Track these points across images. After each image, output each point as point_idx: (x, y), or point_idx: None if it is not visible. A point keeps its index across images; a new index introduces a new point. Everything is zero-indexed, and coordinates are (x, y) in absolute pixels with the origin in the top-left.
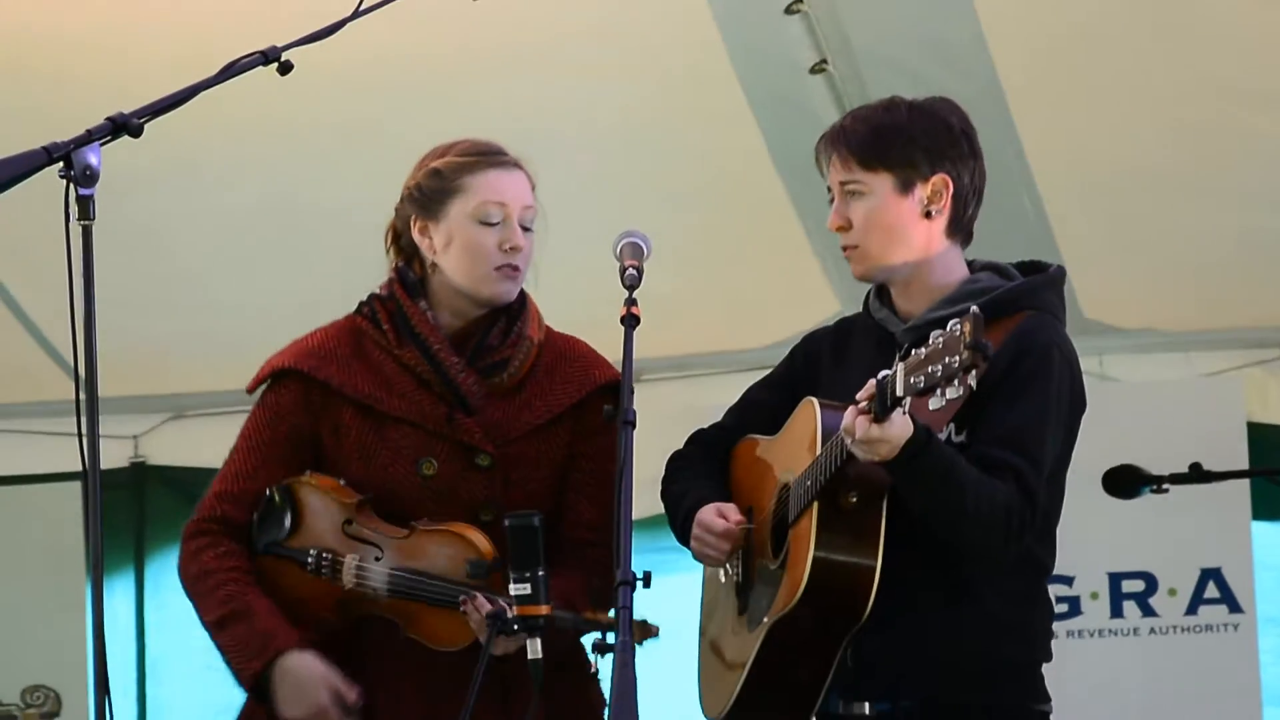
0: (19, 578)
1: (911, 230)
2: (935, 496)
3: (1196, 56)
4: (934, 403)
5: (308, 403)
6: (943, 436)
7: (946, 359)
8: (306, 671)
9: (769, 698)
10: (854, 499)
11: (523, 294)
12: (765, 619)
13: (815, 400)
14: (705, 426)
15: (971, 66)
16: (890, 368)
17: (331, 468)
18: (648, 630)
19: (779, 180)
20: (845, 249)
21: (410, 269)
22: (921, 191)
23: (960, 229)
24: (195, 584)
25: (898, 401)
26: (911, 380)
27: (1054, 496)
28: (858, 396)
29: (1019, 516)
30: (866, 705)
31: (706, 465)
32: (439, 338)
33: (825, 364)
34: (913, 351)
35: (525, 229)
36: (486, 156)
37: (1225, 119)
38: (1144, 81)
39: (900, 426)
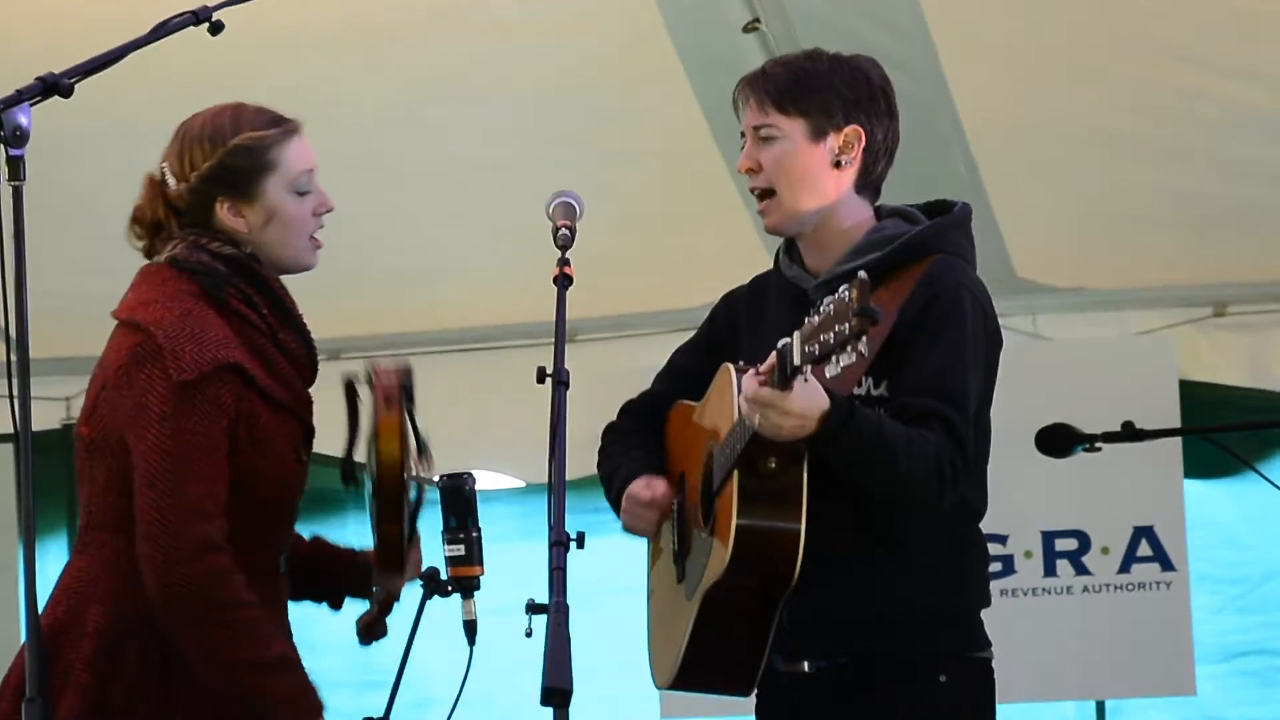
0: None
1: (820, 178)
2: (867, 466)
3: (1132, 16)
4: (830, 370)
5: (238, 397)
6: (861, 391)
7: (837, 326)
8: None
9: (712, 664)
10: (773, 464)
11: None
12: (699, 588)
13: (731, 366)
14: (635, 397)
15: (906, 26)
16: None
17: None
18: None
19: (712, 140)
20: (757, 195)
21: (227, 247)
22: (834, 140)
23: (869, 184)
24: (231, 610)
25: (796, 370)
26: (806, 349)
27: (980, 437)
28: (759, 368)
29: (950, 464)
30: (805, 664)
31: (639, 436)
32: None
33: (744, 325)
34: (805, 319)
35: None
36: (285, 126)
37: (1159, 78)
38: (1078, 40)
39: (802, 397)
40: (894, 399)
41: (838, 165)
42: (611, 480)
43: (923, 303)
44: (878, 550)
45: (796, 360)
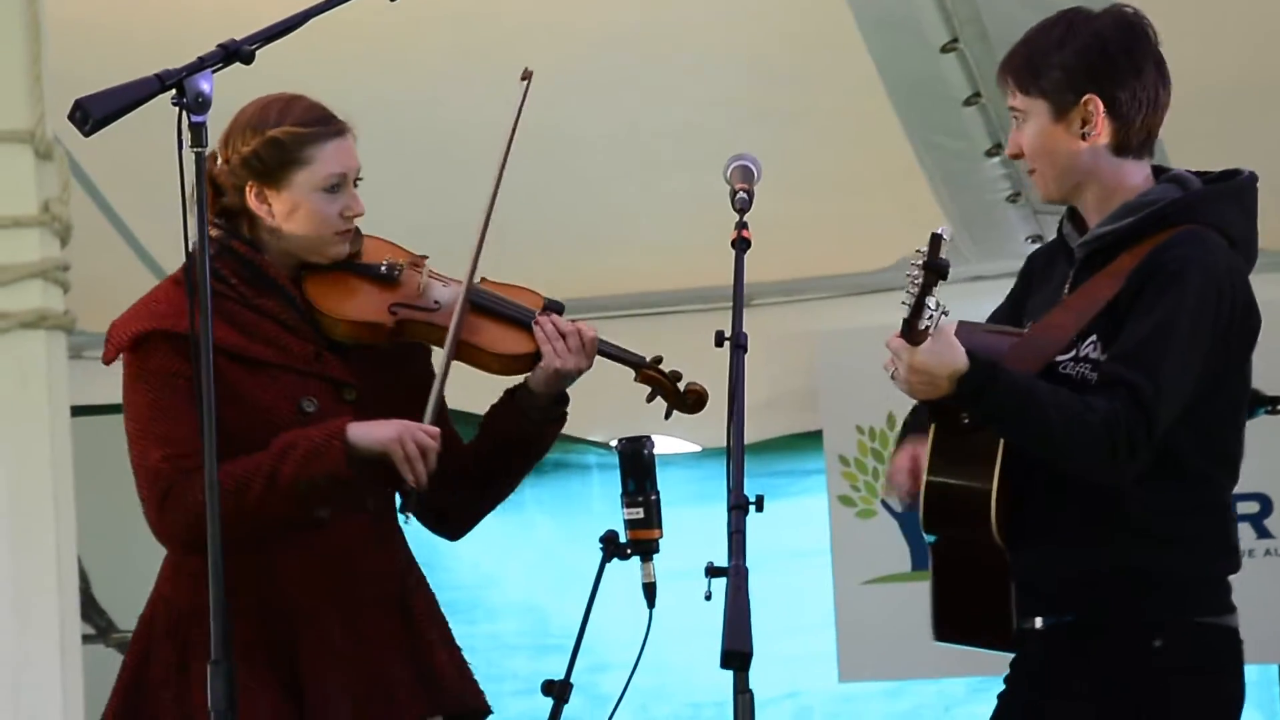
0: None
1: (1071, 151)
2: (1016, 431)
3: None
4: (923, 323)
5: (184, 357)
6: (1093, 353)
7: (914, 281)
8: (374, 423)
9: (961, 618)
10: (965, 419)
11: (357, 233)
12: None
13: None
14: None
15: None
16: (1066, 282)
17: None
18: None
19: (888, 103)
20: (1029, 174)
21: (237, 226)
22: (1076, 114)
23: (1130, 144)
24: (234, 492)
25: (908, 325)
26: (904, 303)
27: (1212, 410)
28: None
29: (1126, 431)
30: (1039, 620)
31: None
32: (293, 285)
33: (1035, 281)
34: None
35: (355, 185)
36: (326, 125)
37: None
38: None
39: (929, 353)
40: (1100, 364)
41: (1083, 137)
42: (900, 438)
43: (1148, 271)
44: (1097, 509)
45: (906, 314)
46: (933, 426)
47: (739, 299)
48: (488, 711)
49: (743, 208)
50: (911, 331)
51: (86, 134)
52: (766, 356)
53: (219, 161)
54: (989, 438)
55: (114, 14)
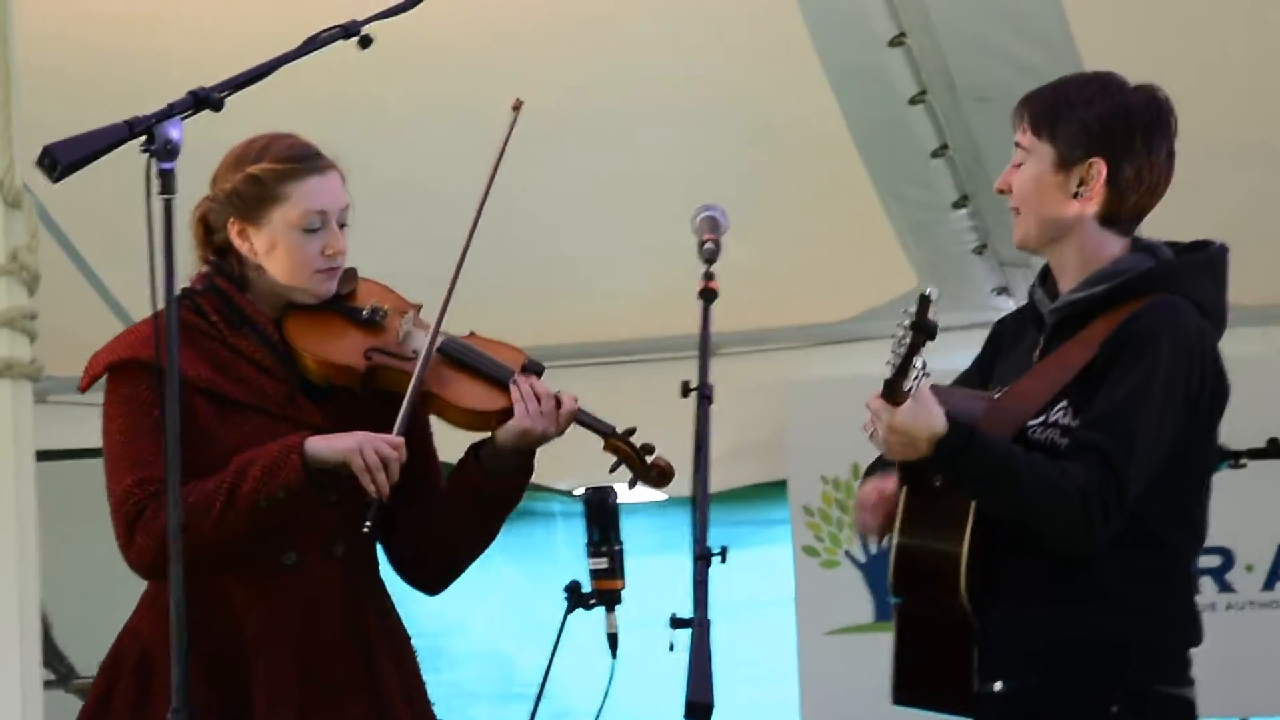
0: (98, 552)
1: (1060, 208)
2: (990, 496)
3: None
4: (907, 384)
5: (159, 391)
6: (1063, 419)
7: (903, 340)
8: (334, 435)
9: (921, 679)
10: (937, 482)
11: (352, 273)
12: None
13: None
14: None
15: (1052, 39)
16: (1036, 348)
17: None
18: None
19: (856, 155)
20: (1011, 210)
21: (226, 263)
22: (1078, 171)
23: (1118, 218)
24: (192, 510)
25: (890, 385)
26: (889, 363)
27: (1182, 478)
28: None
29: (1100, 498)
30: (998, 684)
31: None
32: (272, 325)
33: (1005, 346)
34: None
35: (343, 225)
36: (305, 163)
37: None
38: (1222, 55)
39: (907, 414)
40: (1072, 431)
41: (1078, 195)
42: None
43: (1122, 340)
44: (1063, 575)
45: (888, 374)
46: (903, 489)
47: (705, 349)
48: None
49: (710, 258)
50: (894, 392)
51: (55, 180)
52: (732, 406)
53: (209, 199)
54: (960, 500)
55: (84, 61)
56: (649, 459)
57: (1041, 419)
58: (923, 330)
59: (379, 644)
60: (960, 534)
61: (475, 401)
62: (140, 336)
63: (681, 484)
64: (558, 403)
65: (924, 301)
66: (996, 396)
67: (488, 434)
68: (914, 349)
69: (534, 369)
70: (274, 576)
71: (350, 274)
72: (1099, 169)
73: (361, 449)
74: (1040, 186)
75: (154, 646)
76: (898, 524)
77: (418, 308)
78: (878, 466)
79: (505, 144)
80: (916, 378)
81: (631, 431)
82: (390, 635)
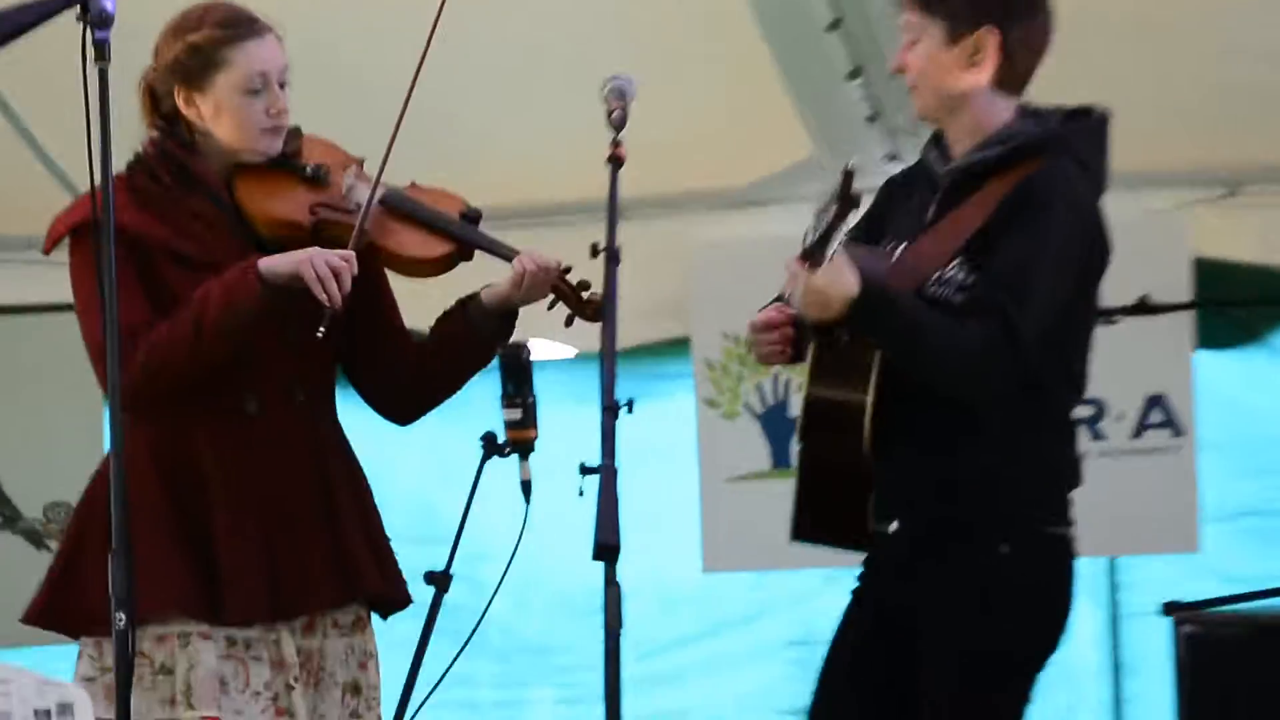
0: (42, 402)
1: (955, 76)
2: (901, 352)
3: None
4: (830, 251)
5: (119, 244)
6: (959, 276)
7: (829, 210)
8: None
9: (820, 519)
10: (845, 338)
11: (296, 131)
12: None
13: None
14: None
15: None
16: (930, 206)
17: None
18: None
19: (756, 29)
20: (909, 88)
21: (176, 129)
22: (968, 41)
23: (1010, 81)
24: (166, 346)
25: (811, 251)
26: (815, 231)
27: (1068, 334)
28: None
29: (999, 354)
30: (894, 523)
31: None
32: (223, 186)
33: (895, 202)
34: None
35: (283, 85)
36: (242, 28)
37: None
38: None
39: (823, 277)
40: (972, 288)
41: (973, 64)
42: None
43: (1016, 201)
44: (956, 421)
45: (808, 240)
46: (812, 344)
47: (613, 212)
48: (406, 601)
49: (618, 125)
50: (814, 258)
51: None
52: (638, 267)
53: (152, 69)
54: (865, 354)
55: None
56: (584, 295)
57: (936, 275)
58: (848, 202)
59: (338, 481)
60: (865, 385)
61: (418, 249)
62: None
63: (591, 340)
64: (547, 274)
65: (848, 176)
66: (896, 255)
67: (436, 277)
68: (839, 219)
69: (473, 216)
70: (237, 422)
71: (294, 132)
72: (991, 37)
73: (311, 259)
74: (935, 63)
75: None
76: (807, 376)
77: (360, 161)
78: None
79: (436, 20)
80: (836, 246)
81: (568, 269)
82: (349, 474)
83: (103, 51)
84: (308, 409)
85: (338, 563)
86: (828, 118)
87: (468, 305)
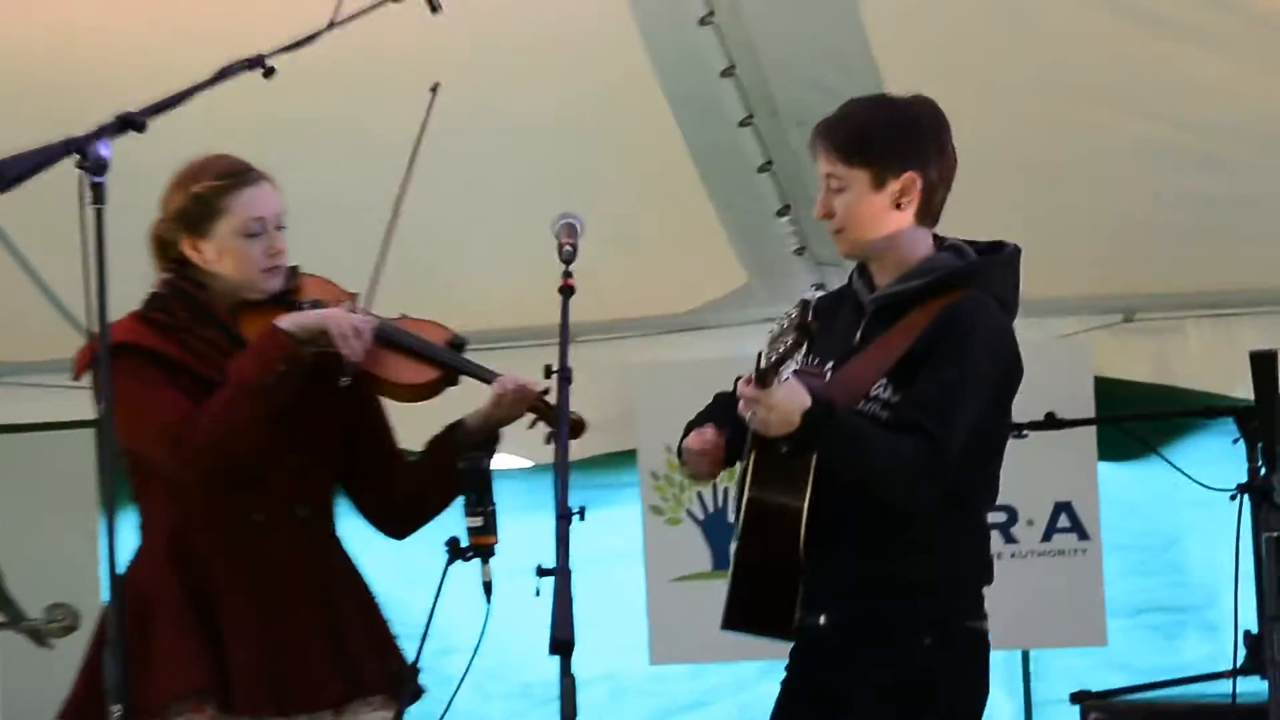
0: (43, 512)
1: (883, 218)
2: (845, 460)
3: (1053, 65)
4: (785, 372)
5: (145, 362)
6: (884, 394)
7: (786, 339)
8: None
9: (751, 612)
10: (784, 449)
11: (295, 270)
12: (733, 546)
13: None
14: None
15: (859, 70)
16: (858, 331)
17: None
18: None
19: (695, 170)
20: (832, 232)
21: (186, 270)
22: (893, 186)
23: (928, 215)
24: (220, 416)
25: (764, 372)
26: (770, 355)
27: (983, 449)
28: (750, 375)
29: (926, 469)
30: (823, 616)
31: (714, 412)
32: (230, 319)
33: (821, 323)
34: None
35: (280, 228)
36: (239, 177)
37: (1075, 115)
38: (1008, 85)
39: (782, 395)
40: (899, 406)
41: (898, 206)
42: (680, 445)
43: (939, 330)
44: (882, 524)
45: (763, 363)
46: (752, 453)
47: (565, 337)
48: (416, 692)
49: (568, 259)
50: (767, 380)
51: (0, 192)
52: (588, 386)
53: (160, 219)
54: (802, 462)
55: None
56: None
57: (884, 395)
58: (804, 331)
59: (340, 591)
60: (802, 491)
61: (408, 376)
62: (122, 328)
63: (545, 452)
64: (525, 393)
65: (806, 305)
66: (830, 376)
67: (425, 401)
68: (795, 346)
69: (458, 343)
70: (243, 533)
71: (293, 271)
72: (915, 180)
73: (337, 317)
74: (864, 209)
75: (149, 590)
76: (749, 481)
77: (353, 296)
78: (694, 424)
79: (425, 122)
80: (789, 371)
81: (546, 391)
82: (352, 584)
83: (99, 195)
84: (310, 523)
85: (340, 662)
86: (759, 250)
87: (455, 430)
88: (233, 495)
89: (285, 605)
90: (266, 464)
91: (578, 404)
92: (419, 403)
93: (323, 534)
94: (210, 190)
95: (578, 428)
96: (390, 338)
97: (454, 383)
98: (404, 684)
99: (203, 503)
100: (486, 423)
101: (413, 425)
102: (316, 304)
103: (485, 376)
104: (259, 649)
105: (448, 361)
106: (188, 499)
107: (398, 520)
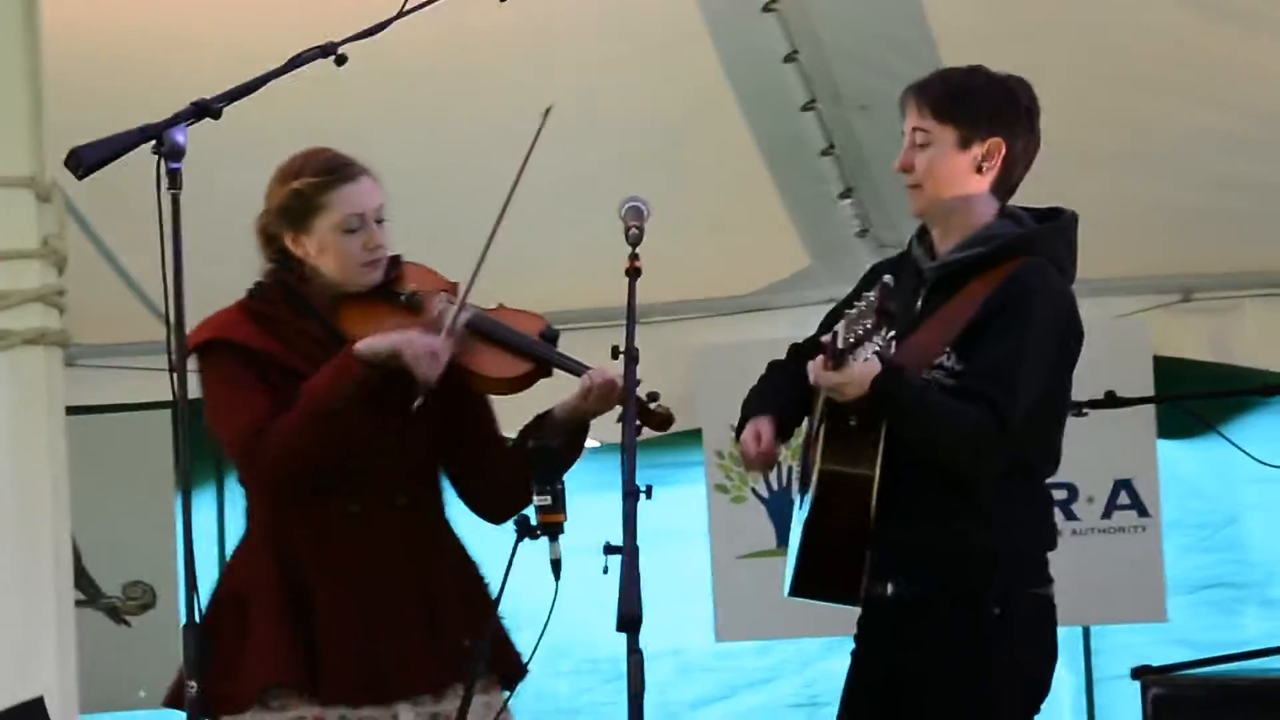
0: (120, 492)
1: (963, 179)
2: (907, 422)
3: (1110, 56)
4: (862, 354)
5: (238, 357)
6: (948, 363)
7: (864, 321)
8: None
9: (820, 579)
10: (853, 421)
11: (396, 260)
12: (805, 517)
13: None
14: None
15: (921, 54)
16: (918, 298)
17: None
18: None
19: (759, 155)
20: (909, 187)
21: (288, 263)
22: (978, 149)
23: (1005, 187)
24: (284, 438)
25: (842, 353)
26: (848, 336)
27: (1047, 416)
28: (824, 341)
29: (988, 437)
30: (889, 586)
31: (774, 383)
32: (329, 310)
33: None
34: (853, 308)
35: (380, 221)
36: (339, 173)
37: (1137, 102)
38: (1067, 74)
39: (859, 370)
40: (963, 375)
41: (979, 170)
42: (741, 417)
43: (1002, 298)
44: (948, 495)
45: (840, 344)
46: (822, 427)
47: (632, 318)
48: (519, 672)
49: (635, 241)
50: (841, 360)
51: (80, 177)
52: (654, 366)
53: (264, 213)
54: (871, 435)
55: (100, 73)
56: (652, 406)
57: (948, 364)
58: (885, 315)
59: (438, 573)
60: (873, 461)
61: (499, 369)
62: (221, 320)
63: (613, 432)
64: (613, 387)
65: (885, 289)
66: (895, 347)
67: (519, 393)
68: (876, 329)
69: (551, 335)
70: (339, 524)
71: (395, 261)
72: (999, 145)
73: (411, 340)
74: (946, 166)
75: (250, 586)
76: (819, 454)
77: (453, 286)
78: (749, 411)
79: (532, 147)
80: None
81: (638, 382)
82: (451, 567)
83: (175, 180)
84: (409, 511)
85: (437, 648)
86: (822, 233)
87: (542, 419)
88: (328, 485)
89: (381, 594)
90: (365, 455)
91: (644, 384)
92: (509, 394)
93: (422, 521)
94: (309, 187)
95: (666, 421)
96: (483, 330)
97: (546, 374)
98: (474, 661)
99: (299, 495)
100: (574, 414)
101: (511, 412)
102: (413, 296)
103: (575, 369)
104: (354, 638)
105: (539, 354)
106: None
107: (496, 506)
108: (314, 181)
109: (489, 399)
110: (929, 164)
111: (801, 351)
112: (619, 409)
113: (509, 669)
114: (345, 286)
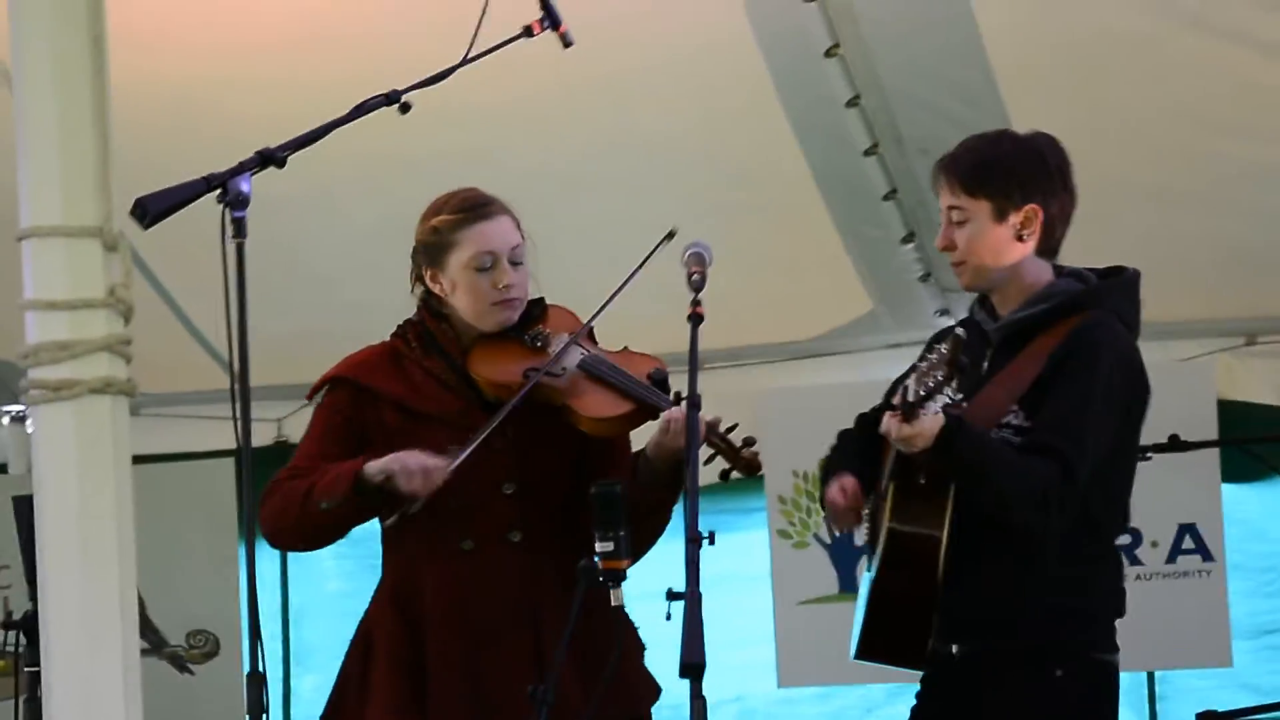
0: (184, 540)
1: (1005, 249)
2: (973, 475)
3: (1166, 91)
4: (933, 407)
5: (357, 403)
6: (1016, 420)
7: (935, 373)
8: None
9: (885, 641)
10: (922, 480)
11: (539, 302)
12: (872, 575)
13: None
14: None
15: (983, 99)
16: (985, 360)
17: (375, 456)
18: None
19: (820, 199)
20: (953, 264)
21: (433, 299)
22: (1015, 218)
23: (1047, 247)
24: (280, 501)
25: (913, 406)
26: (919, 389)
27: (1116, 471)
28: (894, 401)
29: (1057, 491)
30: (953, 646)
31: (847, 448)
32: (458, 351)
33: None
34: (922, 362)
35: (516, 263)
36: (475, 211)
37: (1199, 143)
38: (1124, 114)
39: (928, 423)
40: (1030, 430)
41: (1020, 239)
42: (822, 479)
43: (1066, 353)
44: (1016, 557)
45: (911, 397)
46: (891, 487)
47: (694, 364)
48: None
49: (697, 288)
50: (913, 414)
51: (145, 227)
52: (716, 411)
53: (413, 249)
54: (940, 495)
55: (164, 120)
56: (741, 450)
57: (1016, 421)
58: (955, 367)
59: (548, 609)
60: (941, 521)
61: (597, 409)
62: (354, 360)
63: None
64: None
65: (958, 342)
66: (965, 405)
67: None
68: (946, 381)
69: (659, 377)
70: (453, 560)
71: (536, 302)
72: (1036, 213)
73: (403, 460)
74: (987, 240)
75: (373, 629)
76: (889, 513)
77: (590, 329)
78: (829, 471)
79: (651, 254)
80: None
81: (732, 428)
82: (565, 602)
83: (240, 229)
84: (523, 547)
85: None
86: (884, 277)
87: (636, 458)
88: (445, 525)
89: (490, 632)
90: (480, 492)
91: (739, 429)
92: (614, 435)
93: (536, 559)
94: (445, 224)
95: (753, 467)
96: (591, 369)
97: (653, 416)
98: (539, 705)
99: (418, 534)
100: (659, 452)
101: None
102: (538, 336)
103: (665, 407)
104: (462, 678)
105: (641, 396)
106: (405, 532)
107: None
108: (450, 219)
109: (627, 446)
110: (969, 240)
111: (867, 420)
112: (707, 450)
113: (631, 705)
114: (478, 325)
